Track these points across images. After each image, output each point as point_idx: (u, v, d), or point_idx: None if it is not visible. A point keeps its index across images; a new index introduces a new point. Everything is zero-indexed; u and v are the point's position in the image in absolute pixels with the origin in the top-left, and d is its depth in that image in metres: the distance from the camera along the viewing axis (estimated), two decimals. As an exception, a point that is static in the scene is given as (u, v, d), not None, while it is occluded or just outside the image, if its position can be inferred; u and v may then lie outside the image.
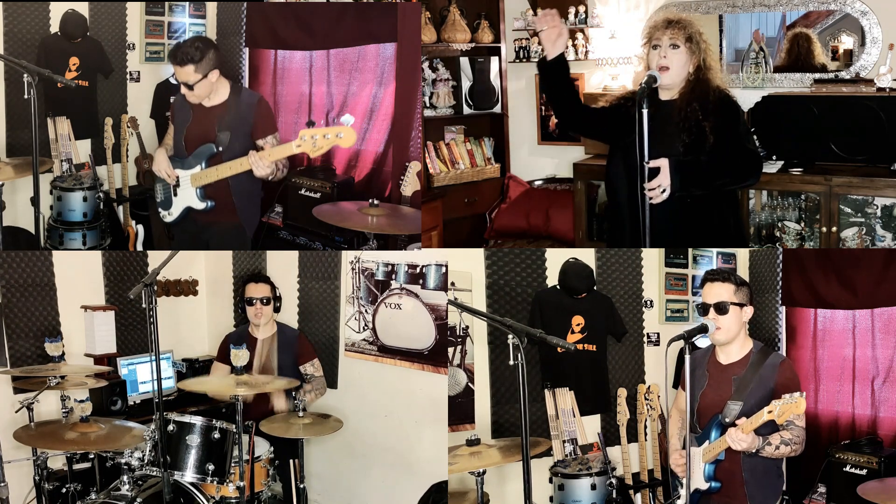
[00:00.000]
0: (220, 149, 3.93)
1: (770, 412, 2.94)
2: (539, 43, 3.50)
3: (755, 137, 4.73)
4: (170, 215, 4.12)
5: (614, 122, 3.49)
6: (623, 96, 3.58)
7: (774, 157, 4.77)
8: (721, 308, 3.18)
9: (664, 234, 3.40)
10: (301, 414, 3.91)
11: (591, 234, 5.39)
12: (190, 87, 3.90)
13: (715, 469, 3.17)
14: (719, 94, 3.41)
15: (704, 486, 3.17)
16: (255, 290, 4.30)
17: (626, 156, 3.35)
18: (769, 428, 3.08)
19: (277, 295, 4.39)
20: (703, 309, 3.22)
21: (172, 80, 5.05)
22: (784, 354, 4.32)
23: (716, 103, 3.37)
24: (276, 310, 4.39)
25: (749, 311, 3.25)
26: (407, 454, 4.17)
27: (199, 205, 4.01)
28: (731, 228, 3.60)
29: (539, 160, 6.13)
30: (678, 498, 3.18)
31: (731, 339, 3.24)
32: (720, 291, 3.19)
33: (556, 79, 3.53)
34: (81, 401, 3.45)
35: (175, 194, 4.05)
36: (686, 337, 3.01)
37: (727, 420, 3.12)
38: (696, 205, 3.41)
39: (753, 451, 3.02)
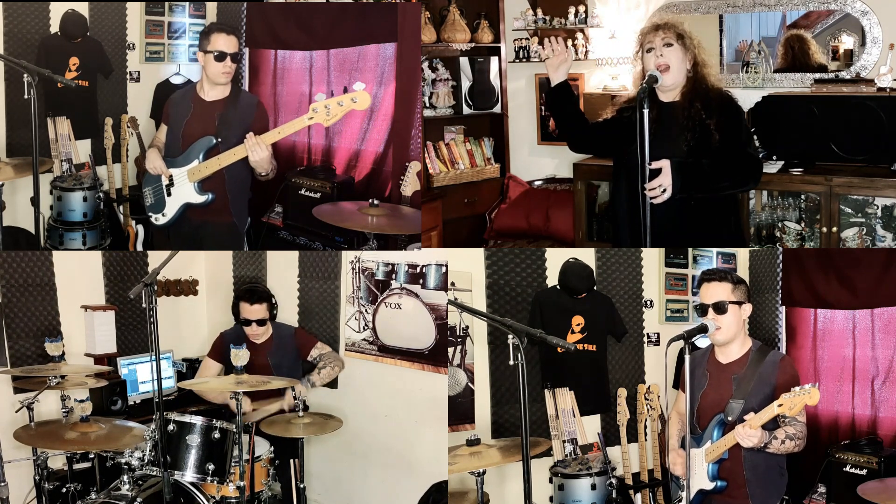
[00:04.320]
0: (220, 140, 3.89)
1: (780, 405, 2.94)
2: (541, 59, 3.58)
3: (755, 138, 4.74)
4: (163, 217, 4.04)
5: (619, 132, 3.51)
6: (624, 103, 3.62)
7: (774, 157, 4.76)
8: (720, 307, 3.18)
9: (665, 234, 3.41)
10: (301, 414, 3.91)
11: (591, 234, 5.39)
12: (228, 57, 3.86)
13: (718, 468, 3.17)
14: (720, 93, 3.46)
15: (710, 485, 3.17)
16: (251, 312, 4.21)
17: (630, 159, 3.36)
18: (772, 424, 3.08)
19: (274, 303, 4.32)
20: (702, 310, 3.22)
21: (173, 80, 5.06)
22: (783, 352, 4.32)
23: (718, 101, 3.42)
24: (273, 318, 4.34)
25: (748, 309, 3.25)
26: (407, 454, 4.17)
27: (199, 198, 3.95)
28: (732, 229, 3.61)
29: (539, 160, 6.13)
30: (679, 501, 3.18)
31: (731, 339, 3.24)
32: (717, 291, 3.19)
33: (561, 103, 3.63)
34: (81, 400, 3.45)
35: (168, 194, 4.01)
36: (686, 337, 3.00)
37: (730, 419, 3.12)
38: (696, 206, 3.41)
39: (761, 446, 3.02)
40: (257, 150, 3.78)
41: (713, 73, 3.49)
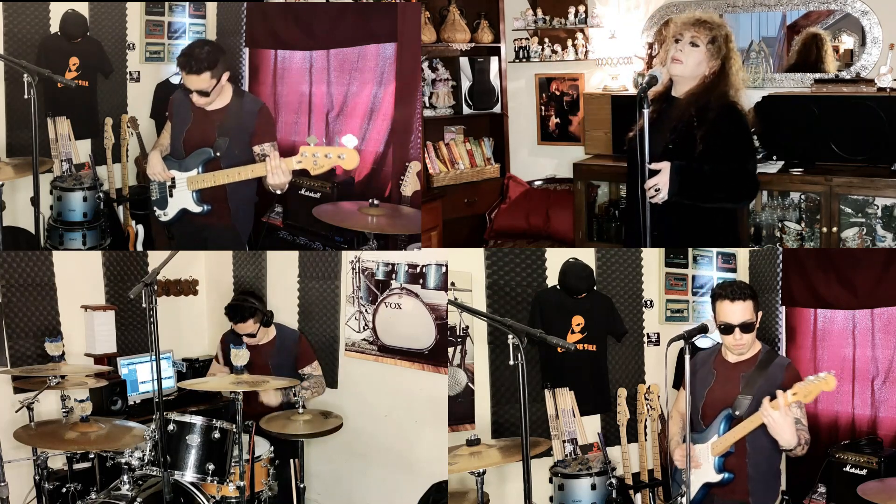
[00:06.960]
0: (218, 154, 3.83)
1: (795, 394, 2.93)
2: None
3: (757, 146, 4.70)
4: (165, 215, 4.02)
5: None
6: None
7: (774, 157, 4.76)
8: (747, 328, 3.20)
9: (669, 236, 3.41)
10: (301, 412, 3.91)
11: (591, 234, 5.39)
12: (206, 94, 3.77)
13: (724, 462, 3.18)
14: (723, 105, 3.33)
15: (717, 478, 3.18)
16: (240, 328, 4.22)
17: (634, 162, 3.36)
18: None
19: (266, 314, 4.30)
20: (727, 329, 3.21)
21: (173, 80, 5.06)
22: (788, 358, 4.33)
23: (717, 111, 3.30)
24: (267, 324, 4.31)
25: (759, 315, 3.29)
26: (407, 454, 4.17)
27: (196, 208, 3.92)
28: (729, 233, 3.61)
29: (539, 160, 6.13)
30: (681, 495, 3.18)
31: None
32: (743, 310, 3.19)
33: None
34: (81, 400, 3.45)
35: (171, 195, 3.99)
36: (686, 337, 3.02)
37: (737, 413, 3.14)
38: (689, 212, 3.41)
39: (792, 448, 3.00)
40: (278, 175, 3.63)
41: (732, 87, 3.35)
